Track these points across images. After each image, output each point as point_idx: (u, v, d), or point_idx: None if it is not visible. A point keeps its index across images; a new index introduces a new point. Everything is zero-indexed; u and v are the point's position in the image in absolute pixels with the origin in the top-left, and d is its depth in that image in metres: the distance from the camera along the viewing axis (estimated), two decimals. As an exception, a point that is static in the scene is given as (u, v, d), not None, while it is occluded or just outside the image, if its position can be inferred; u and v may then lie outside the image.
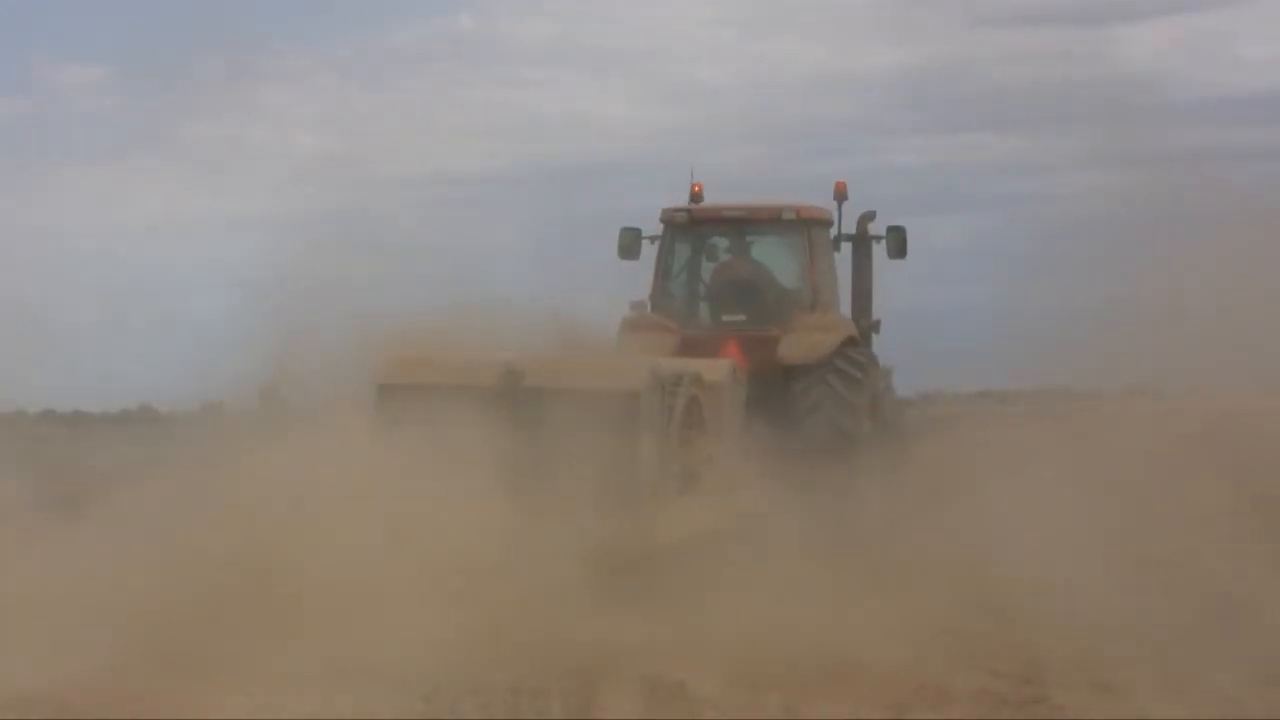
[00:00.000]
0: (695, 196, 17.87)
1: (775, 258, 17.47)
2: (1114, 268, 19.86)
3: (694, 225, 17.53)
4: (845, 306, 18.04)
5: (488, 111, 66.96)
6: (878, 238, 17.80)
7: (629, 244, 17.77)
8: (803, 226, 17.28)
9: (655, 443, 13.40)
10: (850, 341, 16.81)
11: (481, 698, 10.24)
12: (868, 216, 17.78)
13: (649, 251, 17.88)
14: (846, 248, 18.00)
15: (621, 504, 12.93)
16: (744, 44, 79.84)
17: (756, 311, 17.05)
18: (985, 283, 22.55)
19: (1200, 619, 12.64)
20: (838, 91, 74.28)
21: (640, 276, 17.92)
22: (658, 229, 17.87)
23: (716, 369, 14.88)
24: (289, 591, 11.95)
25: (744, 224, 17.49)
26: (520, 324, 15.90)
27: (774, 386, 16.18)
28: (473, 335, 15.31)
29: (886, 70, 75.07)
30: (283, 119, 58.30)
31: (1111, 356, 19.43)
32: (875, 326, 17.97)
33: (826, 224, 17.68)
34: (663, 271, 17.53)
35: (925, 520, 16.77)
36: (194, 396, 16.88)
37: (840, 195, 17.68)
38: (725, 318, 17.13)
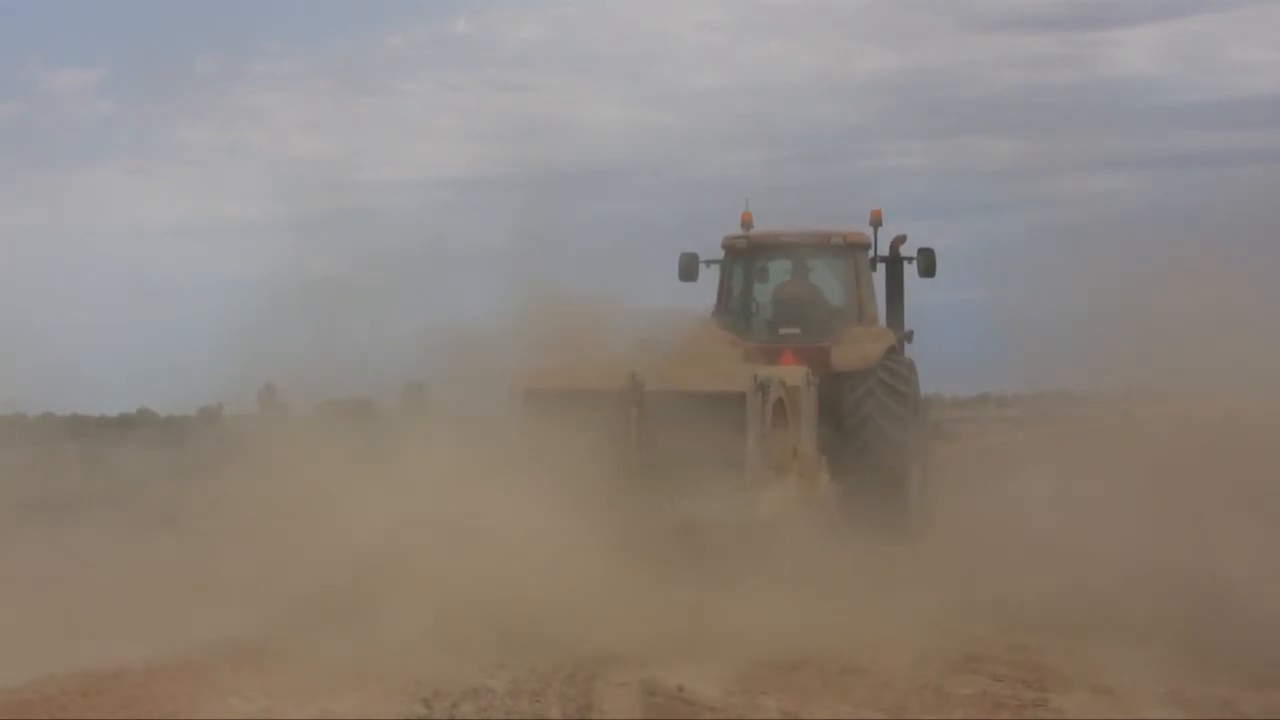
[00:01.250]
0: (745, 224, 19.09)
1: (825, 278, 18.82)
2: (1111, 271, 20.23)
3: (752, 250, 18.91)
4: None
5: (481, 115, 67.38)
6: (909, 258, 19.14)
7: (688, 267, 19.11)
8: (849, 250, 18.58)
9: (758, 436, 15.05)
10: (892, 350, 18.16)
11: (481, 700, 10.31)
12: (899, 240, 19.14)
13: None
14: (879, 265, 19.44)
15: (730, 488, 14.65)
16: (737, 48, 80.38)
17: (810, 325, 18.37)
18: (982, 287, 22.90)
19: (1198, 622, 12.67)
20: (832, 96, 74.63)
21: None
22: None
23: (795, 374, 16.33)
24: (291, 592, 12.40)
25: (796, 248, 18.81)
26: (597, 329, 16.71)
27: (827, 391, 17.42)
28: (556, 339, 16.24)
29: (881, 75, 75.14)
30: (277, 122, 59.30)
31: (1109, 360, 19.81)
32: (909, 336, 19.21)
33: (867, 246, 18.90)
34: (725, 291, 18.90)
35: (933, 522, 17.57)
36: (191, 400, 17.71)
37: (876, 221, 19.05)
38: (782, 331, 18.44)
